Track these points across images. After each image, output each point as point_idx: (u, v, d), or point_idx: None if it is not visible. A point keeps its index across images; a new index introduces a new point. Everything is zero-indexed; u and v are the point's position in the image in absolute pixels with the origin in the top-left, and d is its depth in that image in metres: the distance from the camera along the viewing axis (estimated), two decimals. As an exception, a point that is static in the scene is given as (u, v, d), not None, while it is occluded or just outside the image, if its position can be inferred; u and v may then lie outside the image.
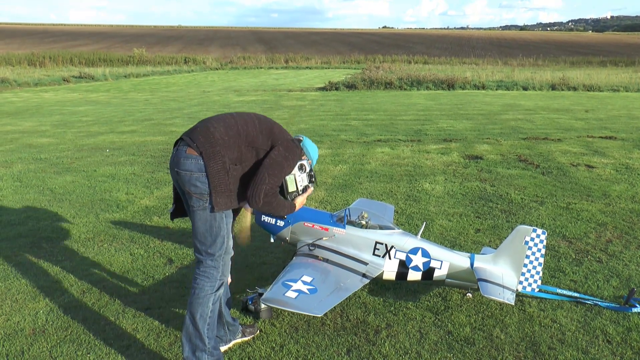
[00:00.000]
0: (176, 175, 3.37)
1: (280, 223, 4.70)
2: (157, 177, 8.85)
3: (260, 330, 4.07)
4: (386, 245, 4.49)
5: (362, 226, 4.61)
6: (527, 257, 4.36)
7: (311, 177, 3.82)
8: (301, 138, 3.85)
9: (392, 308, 4.43)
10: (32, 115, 17.41)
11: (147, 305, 4.47)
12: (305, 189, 3.81)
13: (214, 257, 3.45)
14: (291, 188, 3.72)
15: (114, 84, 33.34)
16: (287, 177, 3.66)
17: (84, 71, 37.86)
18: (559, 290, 4.64)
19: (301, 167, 3.75)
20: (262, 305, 4.15)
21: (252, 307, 4.26)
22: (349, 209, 4.77)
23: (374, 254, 4.52)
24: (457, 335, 4.04)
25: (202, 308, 3.44)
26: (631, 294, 4.44)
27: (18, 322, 4.20)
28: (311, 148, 3.86)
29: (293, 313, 4.21)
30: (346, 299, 4.37)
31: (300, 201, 3.82)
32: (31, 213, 6.91)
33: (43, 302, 4.52)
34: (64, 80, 33.82)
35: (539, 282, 4.43)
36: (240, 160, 3.42)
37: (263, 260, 5.44)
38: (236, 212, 3.84)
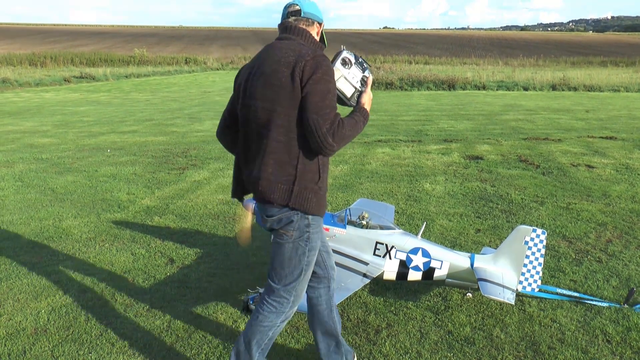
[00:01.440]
0: (265, 223, 3.07)
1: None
2: (158, 177, 8.87)
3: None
4: (387, 245, 4.51)
5: (362, 226, 4.62)
6: (527, 257, 4.38)
7: (363, 65, 3.13)
8: (297, 6, 3.04)
9: (393, 308, 4.45)
10: (33, 115, 17.44)
11: (149, 304, 4.49)
12: (364, 82, 3.11)
13: (287, 288, 3.11)
14: (349, 92, 3.07)
15: (115, 84, 33.39)
16: (337, 85, 3.01)
17: (85, 71, 37.90)
18: (558, 290, 4.66)
19: (345, 63, 3.08)
20: (263, 305, 4.16)
21: (253, 307, 4.27)
22: (349, 209, 4.78)
23: (374, 254, 4.53)
24: (457, 334, 4.05)
25: (261, 336, 3.15)
26: (631, 294, 4.45)
27: (20, 321, 4.21)
28: (313, 8, 3.08)
29: (294, 312, 4.22)
30: (347, 298, 4.39)
31: (367, 99, 3.08)
32: (33, 213, 6.93)
33: (45, 301, 4.54)
34: (65, 80, 33.87)
35: (539, 282, 4.45)
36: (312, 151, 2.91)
37: (264, 260, 5.45)
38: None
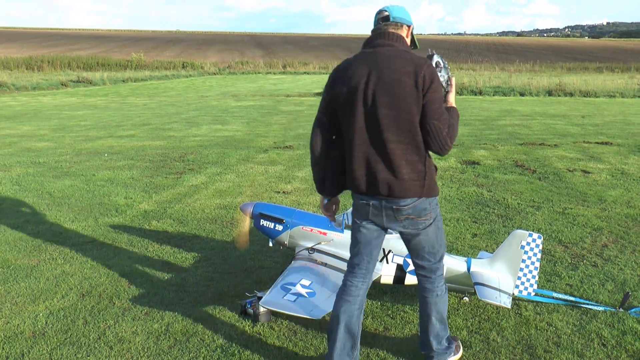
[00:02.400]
0: (394, 217, 3.26)
1: (279, 227, 4.74)
2: (156, 181, 8.88)
3: (259, 334, 4.11)
4: (384, 249, 4.53)
5: (360, 230, 4.64)
6: (523, 261, 4.41)
7: (446, 67, 3.37)
8: (386, 12, 3.24)
9: (390, 312, 4.47)
10: (30, 119, 17.43)
11: (147, 308, 4.50)
12: (449, 82, 3.36)
13: (442, 257, 3.55)
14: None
15: (112, 89, 33.37)
16: None
17: (82, 75, 37.80)
18: (554, 294, 4.69)
19: (437, 66, 3.27)
20: (261, 309, 4.19)
21: (250, 311, 4.29)
22: (346, 213, 4.81)
23: (371, 258, 4.55)
24: (454, 338, 4.07)
25: (445, 306, 3.59)
26: (626, 298, 4.49)
27: (18, 324, 4.22)
28: (402, 12, 3.28)
29: (291, 316, 4.24)
30: (344, 302, 4.40)
31: (453, 99, 3.39)
32: (30, 217, 6.94)
33: (43, 305, 4.55)
34: (62, 84, 33.81)
35: (535, 286, 4.48)
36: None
37: (261, 264, 5.47)
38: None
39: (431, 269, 3.50)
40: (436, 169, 3.35)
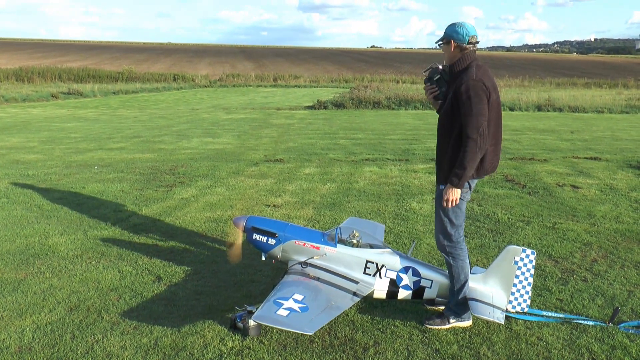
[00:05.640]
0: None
1: (272, 241, 4.72)
2: (146, 194, 8.83)
3: (249, 348, 4.07)
4: (377, 264, 4.53)
5: (353, 245, 4.65)
6: (517, 277, 4.42)
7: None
8: (478, 37, 4.17)
9: (380, 326, 4.45)
10: (20, 131, 17.33)
11: (136, 322, 4.46)
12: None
13: None
14: None
15: (103, 101, 33.29)
16: None
17: (73, 87, 37.65)
18: (544, 313, 4.69)
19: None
20: (251, 323, 4.16)
21: (240, 325, 4.25)
22: (340, 227, 4.81)
23: (364, 272, 4.55)
24: (444, 352, 4.06)
25: None
26: (616, 313, 4.50)
27: (4, 339, 4.16)
28: (470, 29, 4.14)
29: (281, 330, 4.21)
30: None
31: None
32: (18, 230, 6.87)
33: (30, 319, 4.49)
34: (53, 96, 33.65)
35: (529, 302, 4.48)
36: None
37: (252, 277, 5.45)
38: None
39: None
40: None
